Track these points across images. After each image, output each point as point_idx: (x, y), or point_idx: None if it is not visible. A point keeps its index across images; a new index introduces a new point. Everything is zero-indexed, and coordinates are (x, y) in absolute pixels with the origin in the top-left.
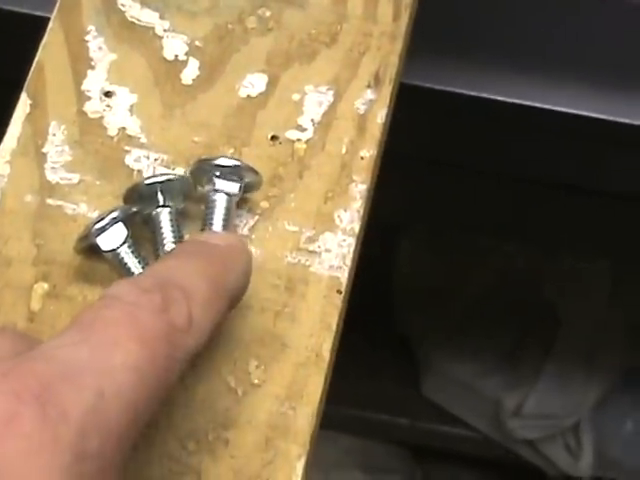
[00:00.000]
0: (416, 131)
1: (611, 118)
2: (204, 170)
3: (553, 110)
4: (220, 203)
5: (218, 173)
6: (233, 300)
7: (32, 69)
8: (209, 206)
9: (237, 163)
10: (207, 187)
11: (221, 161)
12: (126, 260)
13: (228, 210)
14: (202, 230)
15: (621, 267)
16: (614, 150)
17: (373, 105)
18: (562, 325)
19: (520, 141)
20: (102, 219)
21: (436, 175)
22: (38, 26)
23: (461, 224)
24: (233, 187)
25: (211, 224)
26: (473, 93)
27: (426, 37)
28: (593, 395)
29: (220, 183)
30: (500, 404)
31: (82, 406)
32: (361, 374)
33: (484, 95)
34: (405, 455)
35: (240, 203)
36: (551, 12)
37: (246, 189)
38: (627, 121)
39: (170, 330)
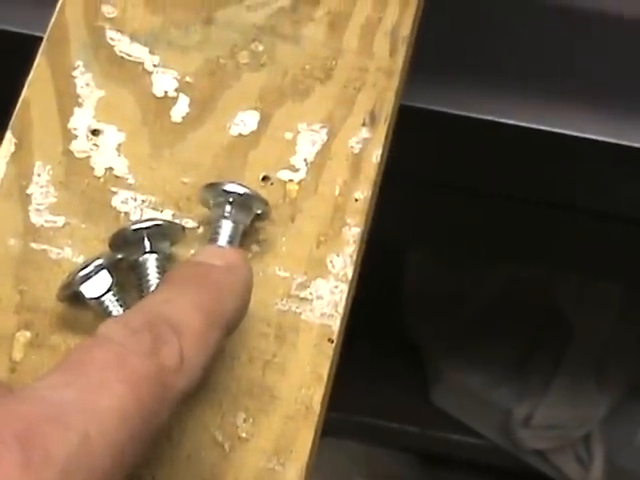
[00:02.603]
0: (422, 152)
1: (623, 142)
2: (214, 194)
3: (561, 133)
4: (225, 230)
5: (230, 199)
6: (230, 327)
7: (17, 107)
8: (215, 231)
9: (249, 192)
10: (215, 211)
11: (234, 188)
12: (111, 308)
13: (232, 238)
14: None
15: (632, 282)
16: (623, 173)
17: (368, 144)
18: (573, 335)
19: (531, 164)
20: (86, 266)
21: (445, 194)
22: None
23: (469, 243)
24: (243, 216)
25: None
26: (474, 115)
27: (430, 58)
28: (603, 406)
29: (230, 210)
30: (510, 414)
31: (66, 448)
32: (371, 382)
33: (487, 117)
34: (414, 463)
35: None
36: (551, 33)
37: (254, 218)
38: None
39: (160, 372)
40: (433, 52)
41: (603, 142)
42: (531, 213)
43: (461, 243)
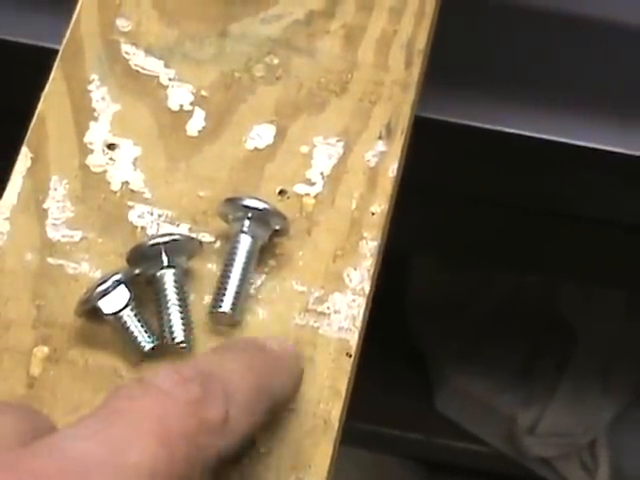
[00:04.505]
0: (427, 160)
1: (627, 151)
2: (234, 209)
3: (564, 142)
4: (244, 245)
5: (249, 215)
6: (277, 406)
7: (33, 121)
8: (233, 246)
9: (268, 207)
10: (234, 226)
11: (253, 203)
12: (129, 323)
13: (250, 253)
14: (222, 270)
15: (636, 288)
16: (626, 182)
17: (384, 158)
18: (578, 342)
19: (538, 173)
20: (104, 281)
21: (450, 201)
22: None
23: (474, 250)
24: (262, 231)
25: (232, 265)
26: (479, 124)
27: (437, 69)
28: (609, 412)
29: (248, 225)
30: (515, 421)
31: None
32: (376, 389)
33: (492, 127)
34: (419, 470)
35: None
36: (559, 45)
37: (273, 233)
38: None
39: (201, 428)
40: (436, 60)
41: (607, 151)
42: (536, 220)
43: (466, 250)
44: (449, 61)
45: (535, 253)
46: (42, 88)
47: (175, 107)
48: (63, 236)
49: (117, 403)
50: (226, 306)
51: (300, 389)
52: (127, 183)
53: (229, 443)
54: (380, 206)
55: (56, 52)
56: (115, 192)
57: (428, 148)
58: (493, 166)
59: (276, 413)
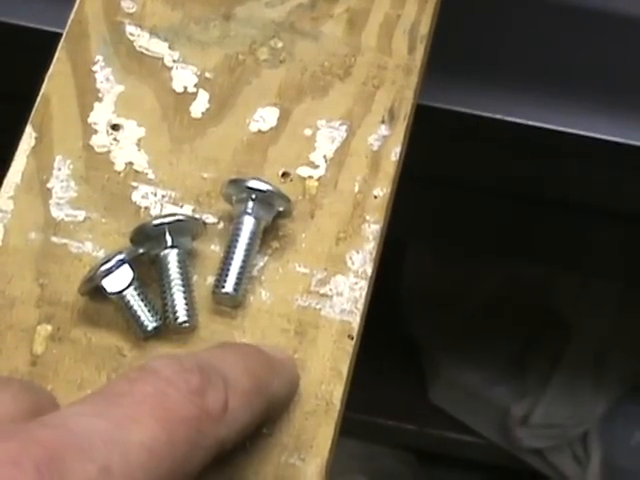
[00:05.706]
0: (422, 148)
1: (625, 141)
2: (238, 190)
3: (565, 132)
4: (247, 227)
5: (253, 196)
6: (274, 406)
7: (38, 101)
8: (237, 228)
9: (272, 189)
10: (238, 207)
11: (257, 184)
12: (132, 303)
13: (254, 235)
14: (225, 251)
15: (631, 281)
16: (622, 172)
17: (387, 141)
18: (571, 334)
19: (536, 163)
20: (108, 261)
21: (445, 191)
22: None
23: (468, 241)
24: (265, 213)
25: (235, 246)
26: (475, 112)
27: (437, 57)
28: (601, 405)
29: (252, 207)
30: (508, 413)
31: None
32: (369, 380)
33: (487, 115)
34: (411, 461)
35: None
36: (558, 32)
37: (276, 215)
38: None
39: (201, 415)
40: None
41: (604, 140)
42: (531, 211)
43: (460, 240)
44: (448, 49)
45: (531, 244)
46: (45, 71)
47: (179, 89)
48: (67, 215)
49: (118, 386)
50: (229, 287)
51: (302, 370)
52: (131, 164)
53: (229, 433)
54: (383, 189)
55: (55, 35)
56: (119, 172)
57: (424, 136)
58: (491, 155)
59: (272, 414)
